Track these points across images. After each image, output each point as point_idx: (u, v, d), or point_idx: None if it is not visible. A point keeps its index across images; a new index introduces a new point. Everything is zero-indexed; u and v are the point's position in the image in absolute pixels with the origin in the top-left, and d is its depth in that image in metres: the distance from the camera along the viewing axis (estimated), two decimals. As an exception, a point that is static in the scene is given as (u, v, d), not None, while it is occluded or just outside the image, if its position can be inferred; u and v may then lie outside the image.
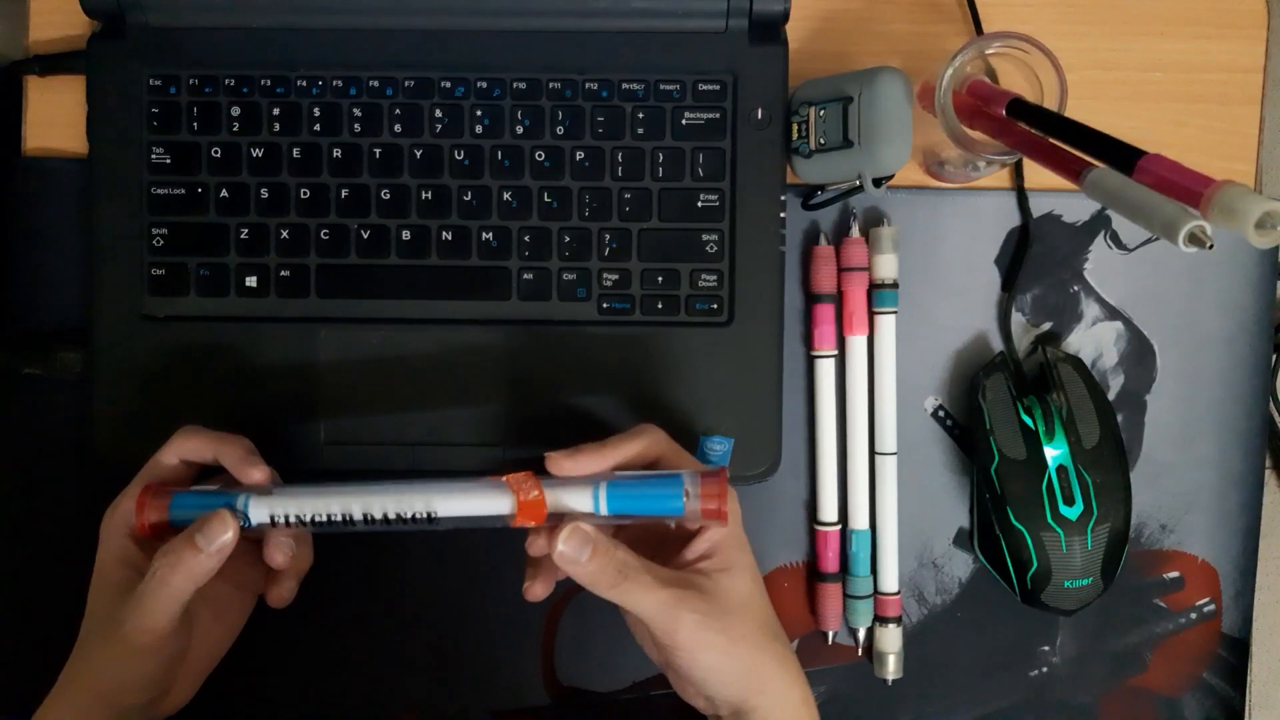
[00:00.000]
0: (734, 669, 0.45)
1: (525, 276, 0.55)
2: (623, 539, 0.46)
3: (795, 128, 0.54)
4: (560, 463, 0.46)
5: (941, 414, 0.58)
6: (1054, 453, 0.54)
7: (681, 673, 0.46)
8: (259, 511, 0.46)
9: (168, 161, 0.54)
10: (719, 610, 0.45)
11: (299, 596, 0.50)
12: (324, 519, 0.46)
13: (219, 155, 0.54)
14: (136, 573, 0.46)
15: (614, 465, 0.47)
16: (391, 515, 0.46)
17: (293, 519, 0.46)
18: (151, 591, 0.44)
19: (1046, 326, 0.58)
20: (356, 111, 0.54)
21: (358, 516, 0.46)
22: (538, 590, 0.48)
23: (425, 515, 0.46)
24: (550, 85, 0.55)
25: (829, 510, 0.57)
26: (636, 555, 0.45)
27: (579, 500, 0.45)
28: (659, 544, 0.49)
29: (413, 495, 0.46)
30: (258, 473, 0.48)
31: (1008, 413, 0.55)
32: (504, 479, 0.45)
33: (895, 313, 0.56)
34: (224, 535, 0.45)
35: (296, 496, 0.46)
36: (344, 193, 0.54)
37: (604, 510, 0.45)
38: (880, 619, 0.57)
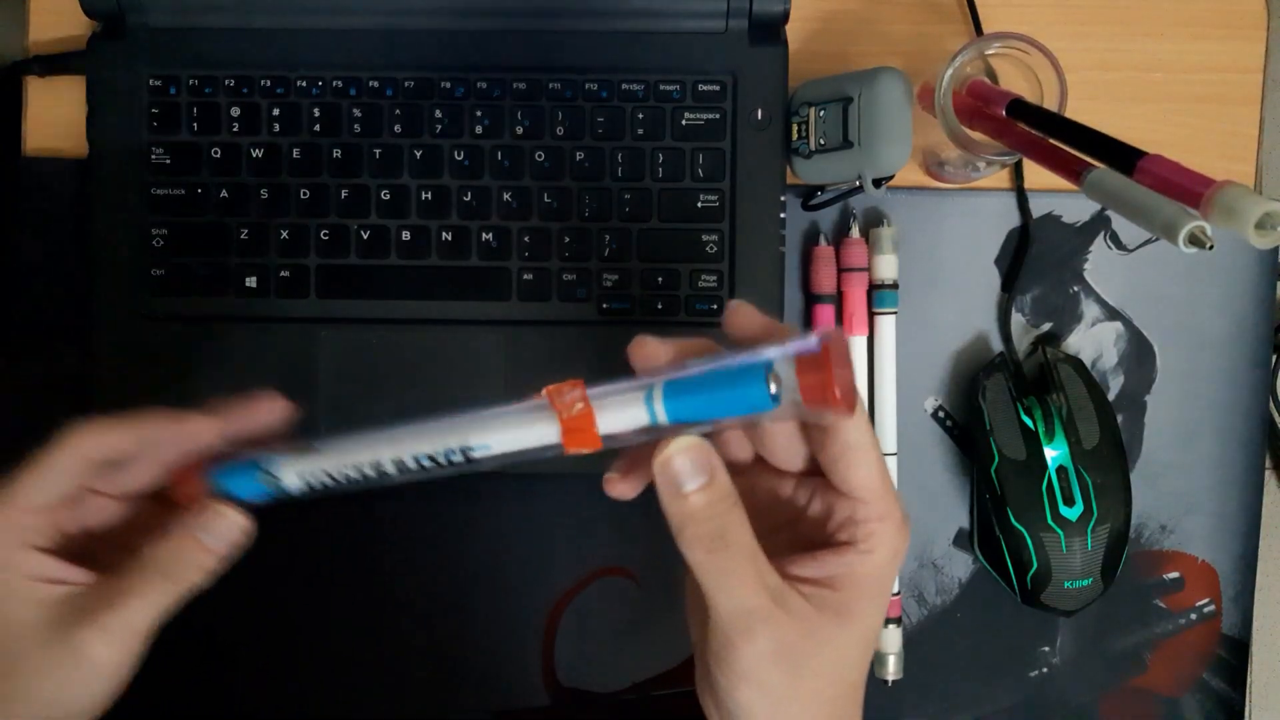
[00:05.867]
0: None
1: (525, 277, 0.55)
2: (747, 505, 0.34)
3: (795, 128, 0.54)
4: (646, 343, 0.35)
5: (941, 414, 0.58)
6: (1054, 453, 0.54)
7: (711, 682, 0.36)
8: (292, 477, 0.39)
9: (168, 162, 0.54)
10: (802, 655, 0.34)
11: (298, 596, 0.50)
12: (367, 473, 0.38)
13: (219, 155, 0.54)
14: (62, 583, 0.39)
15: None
16: (426, 463, 0.37)
17: (339, 477, 0.39)
18: (127, 602, 0.38)
19: (1046, 327, 0.58)
20: (356, 112, 0.54)
21: (390, 469, 0.38)
22: (621, 489, 0.37)
23: (462, 457, 0.36)
24: (550, 85, 0.55)
25: (829, 510, 0.57)
26: (752, 530, 0.34)
27: (628, 412, 0.33)
28: (788, 526, 0.37)
29: (446, 433, 0.37)
30: (264, 411, 0.40)
31: (1008, 413, 0.55)
32: (544, 392, 0.35)
33: (895, 313, 0.56)
34: (235, 534, 0.39)
35: (332, 454, 0.39)
36: (344, 193, 0.54)
37: (663, 419, 0.33)
38: (880, 619, 0.57)
